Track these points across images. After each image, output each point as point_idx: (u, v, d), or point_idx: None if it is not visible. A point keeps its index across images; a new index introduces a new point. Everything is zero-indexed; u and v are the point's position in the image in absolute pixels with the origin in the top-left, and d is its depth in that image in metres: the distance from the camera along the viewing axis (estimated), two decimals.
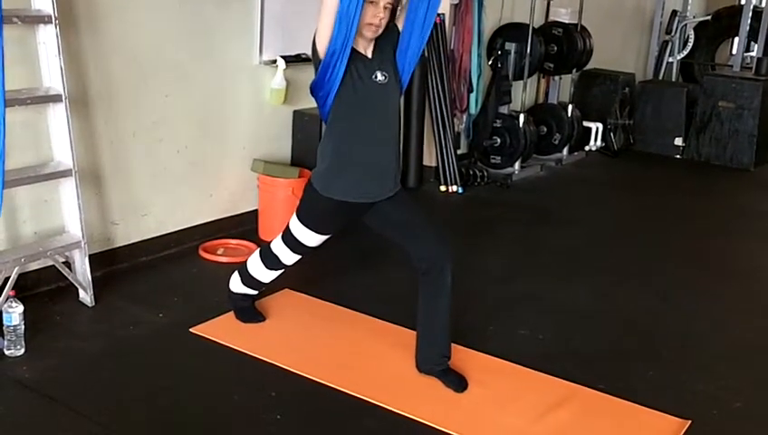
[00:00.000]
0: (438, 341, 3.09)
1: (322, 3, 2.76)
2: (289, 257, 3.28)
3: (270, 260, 3.32)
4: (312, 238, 3.16)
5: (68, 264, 3.54)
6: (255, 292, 3.50)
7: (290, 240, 3.21)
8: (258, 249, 3.42)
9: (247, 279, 3.42)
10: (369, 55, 2.93)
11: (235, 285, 3.47)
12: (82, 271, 3.54)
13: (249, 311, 3.51)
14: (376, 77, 2.92)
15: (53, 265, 3.46)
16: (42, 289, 3.60)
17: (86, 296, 3.55)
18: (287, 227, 3.22)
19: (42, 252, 3.39)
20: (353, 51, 2.83)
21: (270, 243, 3.34)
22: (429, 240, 3.05)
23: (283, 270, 3.38)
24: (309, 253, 3.27)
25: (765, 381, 3.39)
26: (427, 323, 3.09)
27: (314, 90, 2.94)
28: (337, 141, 2.98)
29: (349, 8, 2.71)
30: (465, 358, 3.27)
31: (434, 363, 3.10)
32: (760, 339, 3.81)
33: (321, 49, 2.82)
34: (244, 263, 3.44)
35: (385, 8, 2.83)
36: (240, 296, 3.48)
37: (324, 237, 3.19)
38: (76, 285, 3.54)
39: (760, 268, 4.91)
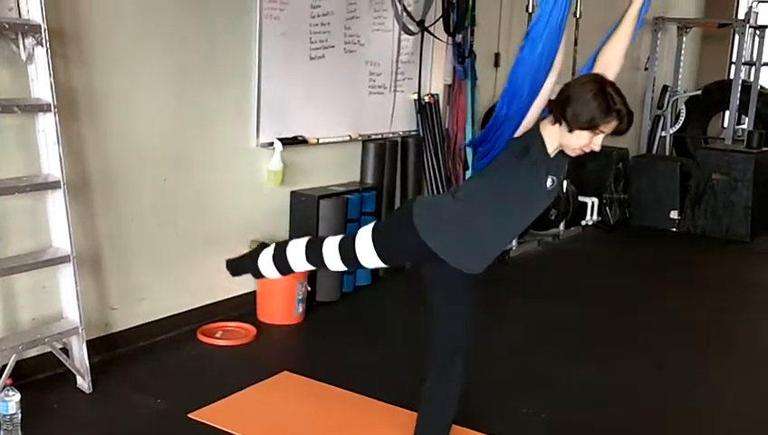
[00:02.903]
0: (443, 426, 3.03)
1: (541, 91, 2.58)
2: (336, 265, 3.03)
3: (315, 257, 3.07)
4: (373, 262, 2.93)
5: (66, 350, 3.52)
6: (275, 276, 3.25)
7: (348, 253, 2.94)
8: (306, 239, 3.15)
9: (280, 261, 3.17)
10: (552, 154, 2.68)
11: (264, 261, 3.22)
12: (80, 357, 3.51)
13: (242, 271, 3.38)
14: (546, 181, 2.70)
15: (51, 352, 3.44)
16: (39, 376, 3.56)
17: (84, 383, 3.51)
18: (352, 239, 2.94)
19: (39, 339, 3.38)
20: (540, 141, 2.64)
21: (322, 240, 3.08)
22: (467, 323, 2.96)
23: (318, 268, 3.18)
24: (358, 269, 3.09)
25: None
26: (433, 406, 3.00)
27: (479, 141, 2.72)
28: (472, 216, 2.73)
29: None
30: None
31: None
32: (761, 413, 3.77)
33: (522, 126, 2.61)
34: (283, 246, 3.17)
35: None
36: (256, 270, 3.26)
37: (384, 266, 3.02)
38: (74, 371, 3.50)
39: (759, 340, 4.88)
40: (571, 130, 2.58)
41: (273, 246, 3.23)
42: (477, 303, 2.95)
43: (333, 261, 3.01)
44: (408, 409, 3.27)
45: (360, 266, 2.98)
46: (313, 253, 3.07)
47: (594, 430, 3.46)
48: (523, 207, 2.78)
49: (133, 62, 3.86)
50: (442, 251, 2.75)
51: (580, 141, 2.59)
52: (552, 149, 2.65)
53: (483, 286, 3.01)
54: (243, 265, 3.34)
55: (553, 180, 2.72)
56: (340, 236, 3.05)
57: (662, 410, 3.72)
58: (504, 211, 2.74)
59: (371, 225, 2.96)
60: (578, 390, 3.88)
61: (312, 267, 3.13)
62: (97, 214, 3.80)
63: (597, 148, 2.61)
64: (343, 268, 3.05)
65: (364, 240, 2.90)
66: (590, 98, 2.54)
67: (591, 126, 2.55)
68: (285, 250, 3.14)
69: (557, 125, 2.59)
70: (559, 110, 2.57)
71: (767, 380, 4.20)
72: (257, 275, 3.29)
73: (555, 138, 2.63)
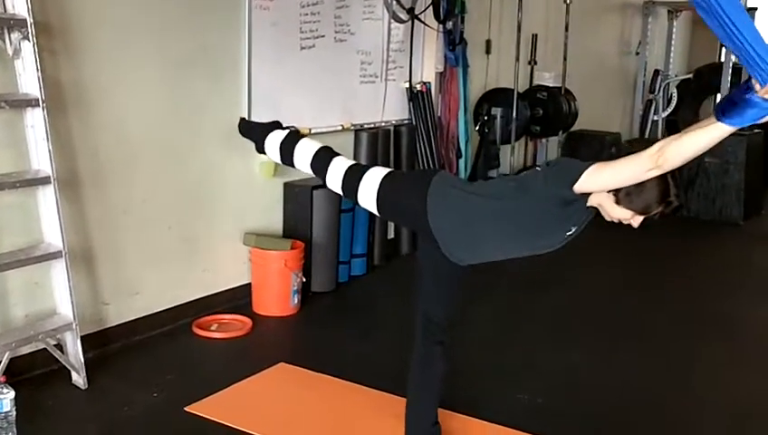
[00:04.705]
0: (433, 408, 3.03)
1: (627, 166, 2.47)
2: (334, 186, 2.99)
3: (319, 168, 3.03)
4: (369, 205, 2.89)
5: (60, 346, 3.50)
6: (276, 160, 3.25)
7: (351, 184, 2.90)
8: (320, 145, 3.10)
9: (287, 149, 3.14)
10: (588, 204, 2.64)
11: (273, 141, 3.21)
12: (74, 353, 3.49)
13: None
14: (570, 230, 2.68)
15: (45, 348, 3.42)
16: (33, 373, 3.54)
17: (79, 379, 3.49)
18: (361, 174, 2.89)
19: (33, 335, 3.36)
20: (587, 198, 2.59)
21: (334, 156, 3.03)
22: (450, 306, 2.97)
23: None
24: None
25: None
26: (417, 390, 3.02)
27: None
28: (481, 221, 2.71)
29: None
30: (461, 426, 3.23)
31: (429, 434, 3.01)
32: (756, 396, 3.78)
33: (584, 187, 2.54)
34: (296, 138, 3.15)
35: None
36: (262, 144, 3.27)
37: (376, 214, 2.97)
38: (68, 367, 3.49)
39: (756, 322, 4.89)
40: (617, 203, 2.54)
41: (287, 131, 3.22)
42: (471, 290, 2.92)
43: (334, 181, 2.98)
44: (404, 397, 3.26)
45: (355, 201, 2.95)
46: (320, 163, 3.04)
47: (590, 416, 3.46)
48: (531, 243, 2.76)
49: (122, 54, 3.82)
50: (439, 234, 2.75)
51: (622, 216, 2.55)
52: (590, 203, 2.62)
53: (479, 274, 3.01)
54: (253, 131, 3.36)
55: (575, 229, 2.70)
56: (351, 162, 3.01)
57: (658, 395, 3.72)
58: (512, 236, 2.73)
59: (385, 171, 2.90)
60: (575, 375, 3.89)
61: (310, 172, 3.11)
62: (88, 209, 3.78)
63: (635, 225, 2.58)
64: (339, 192, 3.02)
65: (371, 183, 2.86)
66: (650, 186, 2.47)
67: (643, 212, 2.53)
68: (296, 143, 3.12)
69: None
70: None
71: (763, 365, 4.20)
72: (260, 148, 3.30)
73: (598, 200, 2.58)
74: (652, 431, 3.35)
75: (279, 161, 3.26)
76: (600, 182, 2.51)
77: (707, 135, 2.32)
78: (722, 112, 2.28)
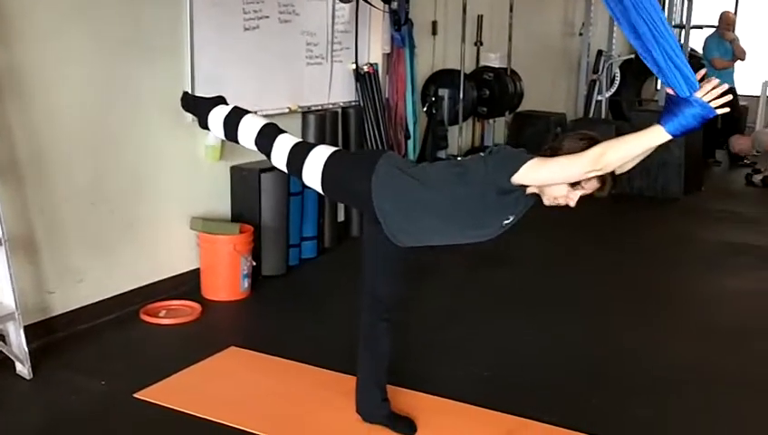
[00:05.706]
0: (382, 384, 3.05)
1: (567, 166, 2.52)
2: (279, 162, 2.95)
3: (264, 143, 2.97)
4: (313, 183, 2.88)
5: (2, 336, 3.42)
6: (219, 135, 3.18)
7: (296, 161, 2.87)
8: (265, 121, 3.05)
9: (232, 125, 3.06)
10: (526, 193, 2.69)
11: (217, 116, 3.13)
12: (18, 343, 3.41)
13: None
14: (507, 219, 2.73)
15: None
16: None
17: (23, 369, 3.42)
18: (307, 151, 2.87)
19: None
20: (525, 186, 2.63)
21: (279, 133, 2.98)
22: (393, 284, 2.98)
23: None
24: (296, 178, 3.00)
25: (700, 405, 3.47)
26: (364, 367, 3.04)
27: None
28: (420, 203, 2.73)
29: None
30: (410, 401, 3.25)
31: (379, 409, 3.05)
32: (696, 361, 3.88)
33: (522, 180, 2.58)
34: (241, 113, 3.09)
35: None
36: (205, 119, 3.19)
37: (320, 192, 2.95)
38: (12, 358, 3.41)
39: (694, 293, 5.02)
40: None
41: (231, 106, 3.17)
42: (417, 267, 2.94)
43: (279, 159, 2.95)
44: (354, 375, 3.27)
45: (300, 178, 2.93)
46: (265, 140, 3.00)
47: (537, 387, 3.51)
48: (468, 231, 2.79)
49: (59, 37, 3.72)
50: (381, 215, 2.76)
51: (559, 193, 2.60)
52: (530, 191, 2.67)
53: (425, 252, 3.01)
54: (195, 105, 3.30)
55: (512, 218, 2.74)
56: (297, 140, 2.98)
57: (602, 363, 3.80)
58: (451, 222, 2.75)
59: (331, 149, 2.89)
60: (520, 348, 3.94)
61: (255, 148, 3.06)
62: (28, 196, 3.68)
63: (572, 204, 2.62)
64: (284, 169, 2.99)
65: (317, 160, 2.84)
66: None
67: (575, 184, 2.56)
68: (241, 119, 3.08)
69: None
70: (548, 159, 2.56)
71: (700, 331, 4.31)
72: (203, 123, 3.24)
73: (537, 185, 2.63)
74: (597, 399, 3.42)
75: (222, 137, 3.20)
76: (537, 178, 2.57)
77: (647, 139, 2.52)
78: (662, 117, 2.45)
